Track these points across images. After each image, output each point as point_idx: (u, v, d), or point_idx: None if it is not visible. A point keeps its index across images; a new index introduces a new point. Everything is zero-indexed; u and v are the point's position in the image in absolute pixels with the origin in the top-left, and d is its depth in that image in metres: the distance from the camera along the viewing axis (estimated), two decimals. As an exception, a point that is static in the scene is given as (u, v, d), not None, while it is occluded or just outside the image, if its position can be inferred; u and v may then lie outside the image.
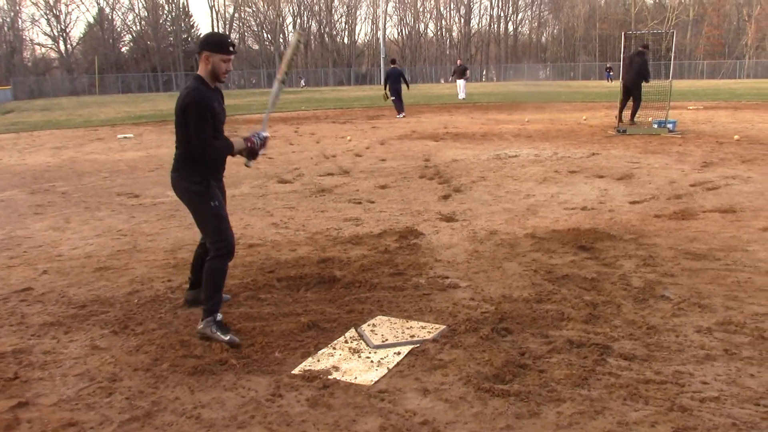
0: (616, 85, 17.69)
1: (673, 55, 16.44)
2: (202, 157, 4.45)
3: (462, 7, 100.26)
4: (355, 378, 3.91)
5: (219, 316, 4.53)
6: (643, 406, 3.49)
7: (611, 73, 61.30)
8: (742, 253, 6.08)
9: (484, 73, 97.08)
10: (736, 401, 3.51)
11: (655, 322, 4.57)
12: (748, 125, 17.68)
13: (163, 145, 15.96)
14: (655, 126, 16.14)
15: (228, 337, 4.40)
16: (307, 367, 4.05)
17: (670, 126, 15.86)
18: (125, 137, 18.77)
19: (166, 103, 41.13)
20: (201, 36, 4.59)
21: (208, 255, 4.77)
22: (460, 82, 34.61)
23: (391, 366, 4.05)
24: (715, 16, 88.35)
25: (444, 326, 4.60)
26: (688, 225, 7.14)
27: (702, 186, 9.23)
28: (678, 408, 3.45)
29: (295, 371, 4.01)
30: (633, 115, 16.93)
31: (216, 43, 4.52)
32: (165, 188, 10.33)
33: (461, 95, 34.21)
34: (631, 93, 16.78)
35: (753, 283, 5.29)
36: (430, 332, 4.50)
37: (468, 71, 36.78)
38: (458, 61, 39.16)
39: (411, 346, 4.30)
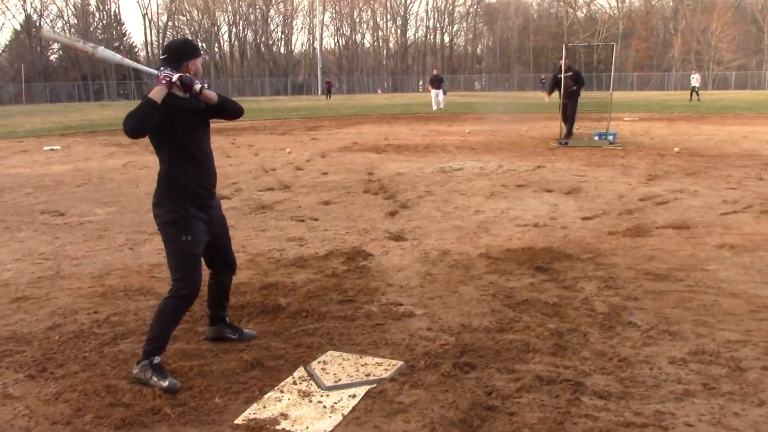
0: (554, 96, 17.62)
1: (613, 66, 16.50)
2: (128, 131, 3.76)
3: (398, 18, 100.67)
4: (306, 428, 3.48)
5: (157, 359, 4.01)
6: (628, 455, 3.17)
7: (545, 85, 62.18)
8: (703, 272, 5.88)
9: (421, 83, 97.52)
10: (726, 446, 3.22)
11: (626, 353, 4.27)
12: (686, 137, 17.91)
13: (92, 158, 15.17)
14: (596, 138, 16.15)
15: (166, 383, 3.90)
16: (252, 415, 3.60)
17: (611, 138, 15.89)
18: (52, 149, 17.84)
19: (97, 112, 39.82)
20: (168, 47, 4.08)
21: (223, 283, 4.45)
22: (436, 92, 34.26)
23: (346, 412, 3.63)
24: (642, 30, 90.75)
25: (401, 362, 4.21)
26: (644, 242, 6.94)
27: (651, 200, 9.10)
28: (666, 457, 3.14)
29: (238, 420, 3.56)
30: (569, 131, 16.69)
31: (192, 49, 4.15)
32: (93, 205, 9.70)
33: (435, 106, 33.89)
34: (567, 105, 16.66)
35: (720, 306, 5.06)
36: (386, 369, 4.10)
37: (444, 82, 36.19)
38: (434, 71, 38.59)
39: (367, 387, 3.89)
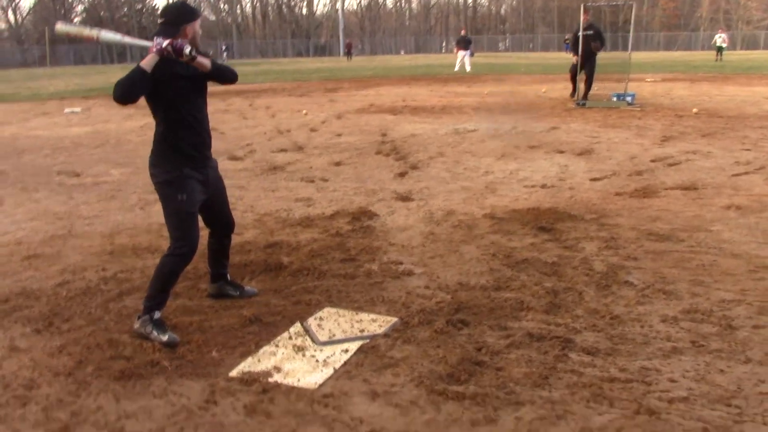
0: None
1: (632, 26, 16.23)
2: (115, 98, 3.84)
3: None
4: (298, 380, 3.58)
5: (157, 314, 4.12)
6: (608, 409, 3.23)
7: (569, 45, 61.25)
8: (706, 233, 5.88)
9: (444, 44, 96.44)
10: (707, 401, 3.27)
11: (619, 312, 4.32)
12: (706, 98, 17.64)
13: (111, 120, 15.30)
14: (614, 99, 15.97)
15: (166, 338, 4.02)
16: (246, 369, 3.72)
17: (629, 99, 15.70)
18: (73, 111, 18.02)
19: (119, 74, 39.94)
20: (165, 11, 4.09)
21: (221, 242, 4.55)
22: (462, 54, 33.75)
23: (337, 366, 3.73)
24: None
25: (396, 319, 4.29)
26: (650, 203, 6.93)
27: (663, 162, 9.04)
28: (645, 410, 3.20)
29: (233, 373, 3.67)
30: (586, 92, 16.47)
31: (190, 12, 4.12)
32: (108, 166, 9.85)
33: (458, 67, 33.47)
34: (585, 65, 16.42)
35: (718, 266, 5.08)
36: (381, 326, 4.19)
37: (471, 44, 35.51)
38: (462, 32, 37.81)
39: (360, 342, 3.99)
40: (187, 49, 3.84)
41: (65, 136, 13.35)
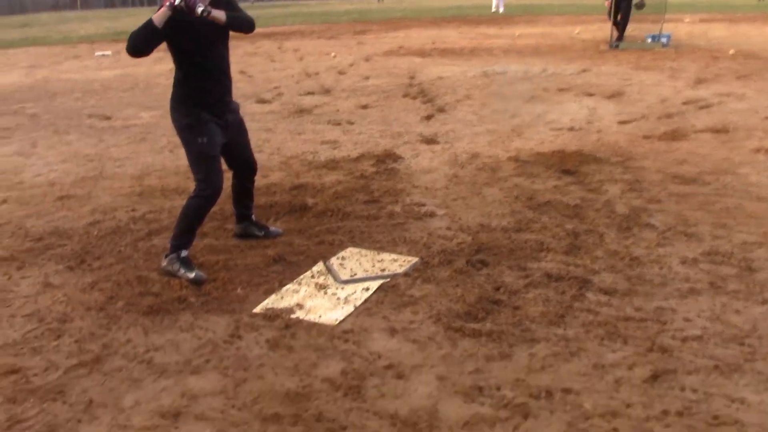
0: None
1: (669, -36, 15.71)
2: (127, 50, 3.91)
3: None
4: (319, 317, 3.69)
5: (184, 253, 4.24)
6: (622, 347, 3.29)
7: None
8: (733, 176, 5.83)
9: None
10: (720, 340, 3.32)
11: (639, 253, 4.34)
12: (744, 39, 17.15)
13: (141, 63, 15.34)
14: (649, 41, 15.60)
15: (193, 275, 4.15)
16: (270, 305, 3.83)
17: (664, 40, 15.33)
18: (103, 55, 18.12)
19: (149, 17, 39.87)
20: None
21: (244, 184, 4.62)
22: None
23: (358, 303, 3.83)
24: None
25: (417, 259, 4.37)
26: (678, 146, 6.86)
27: (694, 104, 8.89)
28: (658, 348, 3.25)
29: (257, 309, 3.79)
30: (621, 33, 16.06)
31: None
32: (138, 109, 9.96)
33: (495, 8, 32.75)
34: (620, 6, 15.94)
35: (743, 209, 5.05)
36: (401, 265, 4.27)
37: None
38: None
39: (381, 281, 4.08)
40: (200, 9, 3.83)
41: (95, 79, 13.47)
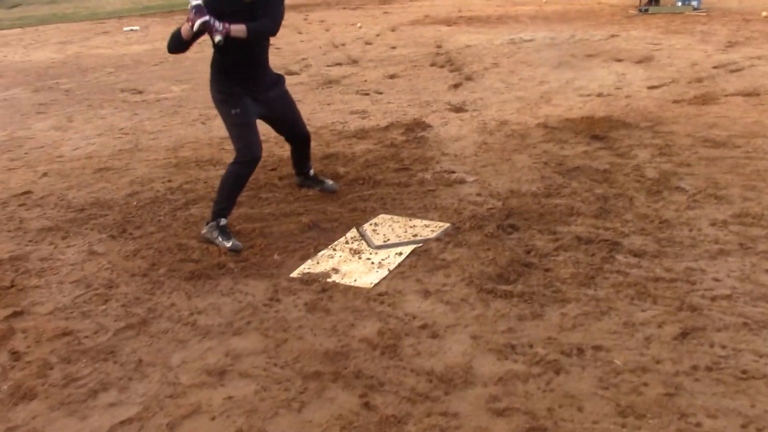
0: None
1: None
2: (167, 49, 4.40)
3: None
4: (355, 280, 3.81)
5: (223, 221, 4.38)
6: (651, 306, 3.37)
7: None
8: (764, 139, 5.81)
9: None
10: (749, 299, 3.37)
11: (669, 216, 4.39)
12: (778, 0, 16.81)
13: (169, 38, 15.50)
14: (679, 4, 15.36)
15: (230, 243, 4.28)
16: (306, 270, 3.95)
17: (694, 3, 15.08)
18: (131, 30, 18.26)
19: (174, -8, 39.94)
20: None
21: (301, 151, 4.93)
22: None
23: (392, 267, 3.94)
24: None
25: (448, 224, 4.45)
26: (708, 110, 6.83)
27: (725, 68, 8.81)
28: (687, 307, 3.32)
29: (294, 274, 3.92)
30: None
31: None
32: (169, 83, 10.09)
33: None
34: None
35: (773, 171, 5.06)
36: (433, 231, 4.36)
37: None
38: None
39: (413, 246, 4.17)
40: (217, 38, 4.07)
41: (126, 54, 13.62)
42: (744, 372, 2.83)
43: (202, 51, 13.02)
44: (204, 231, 4.39)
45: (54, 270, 4.14)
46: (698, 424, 2.55)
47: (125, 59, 12.87)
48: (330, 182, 5.18)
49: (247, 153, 4.33)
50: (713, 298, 3.40)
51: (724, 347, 3.01)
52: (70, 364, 3.18)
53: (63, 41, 16.59)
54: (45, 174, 6.00)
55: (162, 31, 17.20)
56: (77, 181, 5.77)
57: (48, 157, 6.56)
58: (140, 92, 9.54)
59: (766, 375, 2.81)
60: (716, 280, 3.58)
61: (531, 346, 3.10)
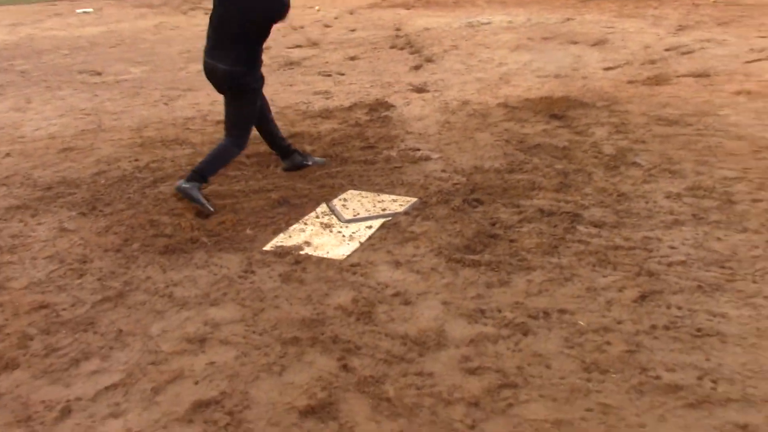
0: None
1: None
2: None
3: None
4: (327, 252, 3.91)
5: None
6: (612, 272, 3.55)
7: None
8: (714, 117, 6.06)
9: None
10: (702, 264, 3.58)
11: (626, 189, 4.58)
12: (726, -14, 17.27)
13: (124, 20, 15.28)
14: (632, -11, 15.68)
15: (208, 203, 4.45)
16: (279, 243, 4.04)
17: (646, -12, 15.42)
18: (85, 12, 17.93)
19: (125, -26, 39.19)
20: None
21: (267, 118, 5.03)
22: None
23: (362, 240, 4.05)
24: None
25: (416, 199, 4.58)
26: (662, 90, 7.07)
27: (676, 50, 9.08)
28: (645, 272, 3.51)
29: (267, 247, 4.01)
30: None
31: None
32: (128, 65, 9.99)
33: None
34: None
35: (723, 147, 5.29)
36: (401, 205, 4.49)
37: None
38: None
39: (382, 220, 4.29)
40: None
41: (81, 35, 13.39)
42: (699, 330, 3.02)
43: (159, 33, 12.94)
44: (186, 185, 4.46)
45: (26, 246, 4.16)
46: (658, 377, 2.73)
47: (80, 41, 12.66)
48: (318, 158, 5.36)
49: (247, 141, 4.74)
50: (669, 264, 3.59)
51: (680, 308, 3.20)
52: (49, 335, 3.23)
53: (14, 23, 16.21)
54: (8, 154, 5.95)
55: (116, 14, 16.93)
56: (42, 160, 5.74)
57: (9, 137, 6.49)
58: (99, 74, 9.44)
59: (719, 332, 3.00)
60: (672, 247, 3.77)
61: (499, 311, 3.25)
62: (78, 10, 18.26)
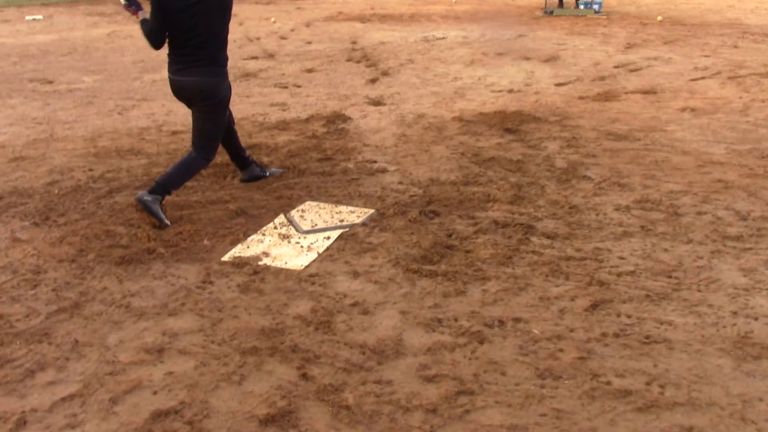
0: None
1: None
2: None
3: None
4: (286, 263, 3.94)
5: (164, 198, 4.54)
6: (564, 282, 3.65)
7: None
8: (661, 133, 6.26)
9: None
10: (650, 274, 3.70)
11: (577, 202, 4.71)
12: (671, 6, 17.80)
13: (76, 28, 15.07)
14: (582, 7, 16.09)
15: (165, 218, 4.42)
16: (237, 254, 4.05)
17: (596, 7, 15.83)
18: (34, 19, 17.63)
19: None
20: None
21: (231, 133, 4.99)
22: None
23: (320, 250, 4.09)
24: None
25: (373, 210, 4.64)
26: (611, 106, 7.27)
27: (625, 67, 9.35)
28: (596, 282, 3.62)
29: (225, 258, 4.01)
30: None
31: None
32: (80, 73, 9.87)
33: None
34: None
35: (670, 162, 5.48)
36: (359, 216, 4.54)
37: None
38: None
39: (340, 231, 4.33)
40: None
41: (31, 43, 13.17)
42: (647, 337, 3.13)
43: (112, 42, 12.80)
44: (147, 197, 4.38)
45: (-24, 257, 4.09)
46: (608, 383, 2.82)
47: (31, 49, 12.46)
48: (274, 168, 5.41)
49: (214, 155, 4.70)
50: (619, 274, 3.71)
51: (629, 316, 3.31)
52: (3, 347, 3.19)
53: (-40, 29, 15.86)
54: (-44, 163, 5.84)
55: (67, 21, 16.70)
56: (-8, 170, 5.65)
57: (-43, 146, 6.37)
58: (50, 82, 9.31)
59: (666, 339, 3.11)
60: (621, 258, 3.90)
61: (456, 320, 3.32)
62: (27, 17, 17.95)
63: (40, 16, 18.07)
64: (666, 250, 3.99)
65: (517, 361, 3.00)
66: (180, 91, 4.55)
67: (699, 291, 3.53)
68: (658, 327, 3.21)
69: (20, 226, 4.53)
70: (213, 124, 4.63)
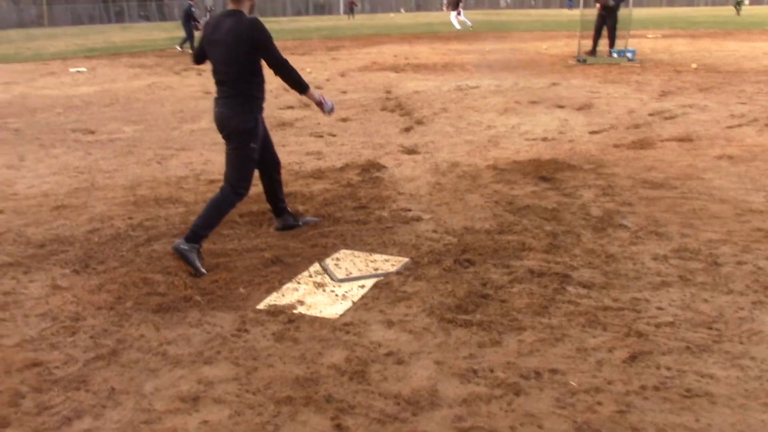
0: (576, 13, 17.51)
1: (633, -18, 16.30)
2: (285, 71, 4.68)
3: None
4: (320, 312, 3.94)
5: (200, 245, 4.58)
6: (602, 332, 3.59)
7: (572, 2, 60.88)
8: (698, 181, 6.20)
9: (444, 2, 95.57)
10: (690, 325, 3.63)
11: (614, 251, 4.67)
12: (706, 53, 17.81)
13: (118, 79, 15.53)
14: (615, 55, 16.16)
15: (201, 266, 4.46)
16: (272, 302, 4.07)
17: (629, 55, 15.89)
18: (78, 71, 18.21)
19: (119, 34, 39.90)
20: None
21: (273, 177, 5.10)
22: (453, 14, 34.47)
23: (355, 299, 4.09)
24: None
25: (407, 259, 4.64)
26: (646, 154, 7.24)
27: (660, 115, 9.33)
28: (634, 333, 3.56)
29: (260, 306, 4.03)
30: (611, 42, 16.70)
31: None
32: (121, 123, 10.12)
33: (458, 26, 33.84)
34: (607, 19, 16.55)
35: (708, 210, 5.41)
36: (393, 265, 4.54)
37: (461, 3, 35.93)
38: None
39: (375, 279, 4.34)
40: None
41: (74, 95, 13.59)
42: (688, 390, 3.06)
43: (152, 93, 13.13)
44: (184, 246, 4.46)
45: (18, 304, 4.17)
46: (649, 438, 2.76)
47: (74, 100, 12.85)
48: (310, 217, 5.46)
49: (247, 189, 4.76)
50: (658, 325, 3.64)
51: (669, 369, 3.24)
52: (41, 393, 3.22)
53: (8, 81, 16.44)
54: (1, 212, 5.99)
55: (109, 73, 17.21)
56: (35, 218, 5.78)
57: (2, 194, 6.54)
58: (92, 132, 9.56)
59: (708, 393, 3.04)
60: (660, 308, 3.84)
61: (492, 371, 3.28)
62: (72, 69, 18.53)
63: (83, 69, 18.66)
64: (706, 300, 3.92)
65: (554, 413, 2.95)
66: (215, 122, 4.75)
67: (741, 343, 3.45)
68: (700, 380, 3.14)
69: (61, 273, 4.61)
70: (240, 157, 4.69)
